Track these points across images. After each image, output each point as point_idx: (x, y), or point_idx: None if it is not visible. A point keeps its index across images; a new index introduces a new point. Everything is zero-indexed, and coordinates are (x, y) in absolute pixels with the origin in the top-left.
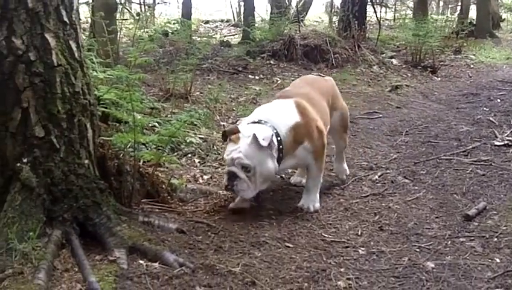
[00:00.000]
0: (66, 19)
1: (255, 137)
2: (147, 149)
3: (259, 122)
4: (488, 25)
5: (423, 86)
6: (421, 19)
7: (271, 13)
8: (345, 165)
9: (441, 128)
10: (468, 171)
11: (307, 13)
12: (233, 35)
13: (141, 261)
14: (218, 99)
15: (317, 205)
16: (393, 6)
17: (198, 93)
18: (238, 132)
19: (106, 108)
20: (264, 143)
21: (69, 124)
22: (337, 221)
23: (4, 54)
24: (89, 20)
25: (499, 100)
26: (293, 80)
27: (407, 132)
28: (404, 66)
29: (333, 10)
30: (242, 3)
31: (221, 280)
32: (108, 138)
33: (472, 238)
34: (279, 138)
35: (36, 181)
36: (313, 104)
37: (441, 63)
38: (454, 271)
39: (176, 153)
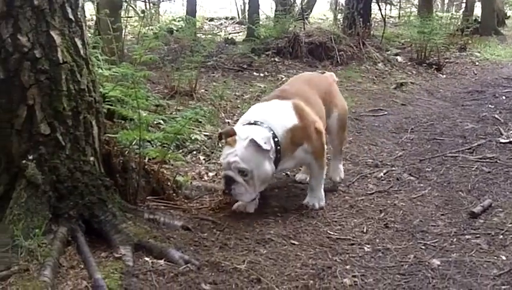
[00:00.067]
0: (71, 16)
1: (252, 140)
2: (152, 146)
3: (255, 123)
4: (493, 22)
5: (428, 83)
6: (426, 16)
7: (275, 11)
8: (341, 167)
9: (446, 126)
10: (473, 169)
11: (311, 11)
12: (238, 32)
13: (147, 259)
14: (223, 96)
15: (323, 202)
16: (398, 4)
17: (203, 90)
18: (234, 134)
19: (111, 105)
20: (267, 146)
21: (74, 122)
22: (342, 218)
23: (10, 51)
24: (94, 17)
25: (504, 97)
26: None
27: (412, 129)
28: (409, 63)
29: (338, 8)
30: (247, 1)
31: (226, 277)
32: (113, 135)
33: (478, 235)
34: (276, 139)
35: (42, 178)
36: (309, 104)
37: (446, 60)
38: (460, 268)
39: (181, 151)
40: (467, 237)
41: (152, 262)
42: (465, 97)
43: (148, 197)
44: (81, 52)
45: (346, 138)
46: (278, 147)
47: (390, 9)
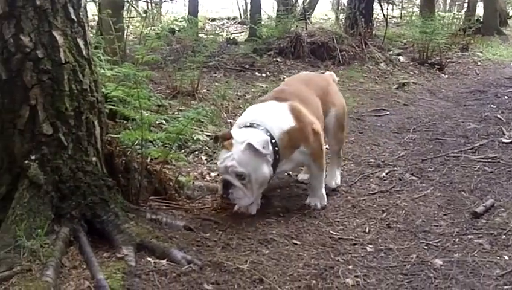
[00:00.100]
0: (73, 17)
1: (249, 144)
2: (154, 146)
3: (251, 126)
4: (495, 22)
5: (430, 83)
6: (428, 16)
7: (277, 11)
8: (338, 173)
9: (449, 126)
10: (475, 169)
11: (313, 11)
12: (240, 32)
13: (149, 259)
14: (225, 96)
15: (324, 201)
16: (400, 4)
17: (205, 90)
18: (231, 137)
19: (114, 105)
20: (265, 151)
21: (76, 122)
22: (344, 218)
23: (12, 51)
24: (96, 18)
25: (506, 97)
26: None
27: (414, 129)
28: (411, 63)
29: (340, 8)
30: (248, 1)
31: (229, 277)
32: (116, 136)
33: (480, 235)
34: (273, 141)
35: (44, 178)
36: (306, 104)
37: (448, 60)
38: (462, 268)
39: (183, 151)
40: (469, 237)
41: (154, 262)
42: (467, 97)
43: (150, 198)
44: (84, 52)
45: (344, 140)
46: (276, 149)
47: (392, 9)
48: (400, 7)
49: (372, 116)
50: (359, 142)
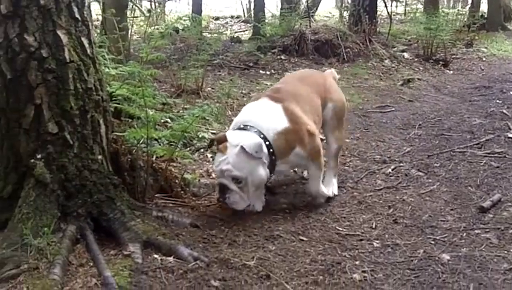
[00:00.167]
0: (77, 16)
1: (242, 148)
2: (160, 144)
3: (245, 128)
4: (499, 18)
5: (435, 79)
6: (432, 13)
7: (281, 9)
8: (335, 181)
9: (454, 121)
10: (482, 164)
11: (317, 8)
12: (244, 31)
13: (156, 256)
14: (230, 94)
15: (326, 192)
16: (404, 1)
17: (209, 89)
18: (226, 140)
19: (119, 104)
20: (258, 155)
21: (82, 120)
22: (351, 214)
23: (16, 51)
24: (100, 17)
25: (511, 92)
26: None
27: (420, 125)
28: (415, 59)
29: (344, 5)
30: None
31: (236, 274)
32: (121, 134)
33: (487, 230)
34: (267, 143)
35: (50, 177)
36: (302, 103)
37: (453, 56)
38: (470, 263)
39: (188, 148)
40: (476, 231)
41: (161, 259)
42: (472, 93)
43: (156, 195)
44: (88, 51)
45: (343, 140)
46: (271, 150)
47: (396, 6)
48: (403, 4)
49: (377, 113)
50: (365, 139)
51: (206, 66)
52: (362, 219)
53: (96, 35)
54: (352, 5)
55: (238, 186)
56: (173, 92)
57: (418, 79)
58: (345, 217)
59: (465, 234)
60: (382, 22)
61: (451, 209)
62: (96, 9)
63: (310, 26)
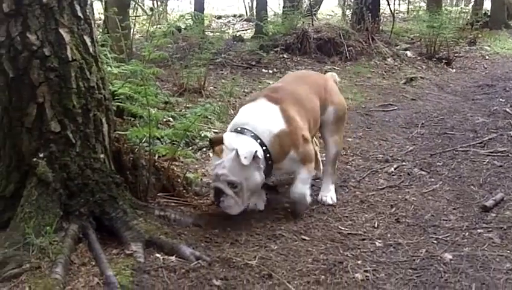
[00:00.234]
0: (80, 14)
1: (237, 154)
2: (162, 143)
3: (242, 131)
4: (503, 16)
5: (438, 77)
6: (435, 11)
7: (283, 7)
8: (333, 188)
9: (457, 120)
10: (484, 163)
11: (319, 7)
12: (246, 30)
13: (158, 255)
14: (232, 93)
15: (308, 200)
16: None
17: (212, 87)
18: (222, 142)
19: (121, 103)
20: (246, 162)
21: (84, 119)
22: (353, 213)
23: (19, 49)
24: (102, 16)
25: None
26: None
27: (422, 124)
28: (418, 58)
29: (346, 3)
30: None
31: (238, 273)
32: (123, 133)
33: (490, 229)
34: (264, 148)
35: (52, 176)
36: (300, 105)
37: (456, 54)
38: (472, 262)
39: (190, 148)
40: (479, 231)
41: (163, 258)
42: (475, 91)
43: (158, 194)
44: (90, 49)
45: (341, 146)
46: (268, 155)
47: (399, 4)
48: (406, 2)
49: (380, 112)
50: (367, 138)
51: (208, 65)
52: (364, 218)
53: (98, 34)
54: (355, 3)
55: (234, 191)
56: (175, 90)
57: (421, 77)
58: (347, 217)
59: (467, 233)
60: (385, 20)
61: (454, 209)
62: (98, 8)
63: (313, 24)
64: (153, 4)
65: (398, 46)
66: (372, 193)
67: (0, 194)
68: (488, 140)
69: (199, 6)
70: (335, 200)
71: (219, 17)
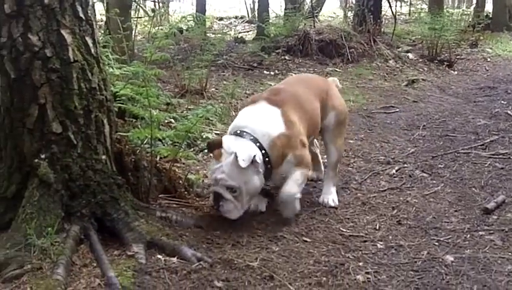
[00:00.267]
0: (81, 15)
1: (236, 157)
2: (164, 145)
3: (241, 134)
4: (504, 18)
5: (440, 80)
6: (437, 13)
7: (285, 9)
8: (334, 191)
9: (459, 122)
10: (486, 165)
11: (321, 9)
12: (248, 31)
13: (159, 256)
14: (234, 94)
15: (296, 210)
16: (409, 1)
17: (213, 89)
18: (221, 146)
19: (123, 104)
20: (244, 164)
21: (86, 120)
22: (354, 215)
23: (20, 50)
24: (104, 17)
25: None
26: None
27: (424, 126)
28: (420, 60)
29: (348, 5)
30: (256, 0)
31: (239, 275)
32: (125, 134)
33: (491, 231)
34: (263, 151)
35: (54, 177)
36: (301, 109)
37: (458, 56)
38: (473, 265)
39: (192, 149)
40: (480, 233)
41: (165, 260)
42: (477, 93)
43: (160, 196)
44: (92, 50)
45: (342, 150)
46: (267, 159)
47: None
48: (408, 4)
49: (381, 114)
50: (369, 140)
51: (210, 67)
52: (366, 220)
53: (100, 35)
54: (356, 5)
55: (233, 195)
56: (177, 92)
57: (423, 80)
58: (348, 218)
59: (469, 235)
60: (387, 22)
61: (455, 211)
62: (100, 9)
63: (314, 26)
64: (155, 5)
65: (400, 48)
66: (373, 195)
67: (2, 195)
68: (490, 142)
69: (201, 7)
70: (337, 203)
71: (221, 19)
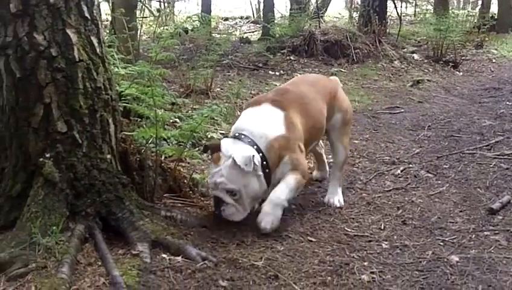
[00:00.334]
0: (87, 15)
1: (234, 160)
2: (169, 144)
3: (239, 136)
4: (509, 19)
5: (445, 80)
6: (442, 14)
7: (290, 9)
8: (340, 191)
9: (464, 123)
10: (491, 165)
11: (326, 9)
12: (253, 31)
13: (164, 255)
14: (239, 94)
15: (276, 223)
16: (414, 1)
17: (218, 89)
18: (219, 150)
19: (128, 103)
20: (247, 168)
21: (91, 119)
22: (359, 215)
23: (26, 49)
24: (109, 17)
25: None
26: None
27: (429, 126)
28: (425, 61)
29: (353, 6)
30: (261, 0)
31: (244, 274)
32: (130, 133)
33: (496, 231)
34: (260, 154)
35: (59, 176)
36: (305, 112)
37: (463, 57)
38: (478, 265)
39: (197, 149)
40: (485, 233)
41: (169, 259)
42: (482, 94)
43: (164, 195)
44: (97, 50)
45: (348, 150)
46: (265, 162)
47: (406, 7)
48: (413, 5)
49: (386, 114)
50: (374, 140)
51: (215, 67)
52: (371, 220)
53: (105, 34)
54: (362, 5)
55: (234, 198)
56: (182, 92)
57: (428, 80)
58: (353, 218)
59: (474, 235)
60: (392, 23)
61: (460, 211)
62: (105, 9)
63: (320, 26)
64: (160, 5)
65: (405, 49)
66: (378, 195)
67: (7, 193)
68: (495, 143)
69: (206, 7)
70: (342, 203)
71: (226, 19)
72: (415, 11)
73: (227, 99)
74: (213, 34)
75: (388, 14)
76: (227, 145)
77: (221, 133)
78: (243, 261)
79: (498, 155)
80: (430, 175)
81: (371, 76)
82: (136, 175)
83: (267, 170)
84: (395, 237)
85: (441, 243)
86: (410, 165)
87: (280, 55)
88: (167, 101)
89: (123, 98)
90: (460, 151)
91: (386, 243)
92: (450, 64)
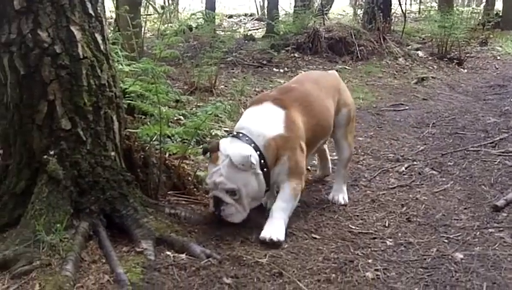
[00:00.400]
0: (91, 11)
1: (231, 159)
2: (173, 142)
3: (237, 135)
4: None
5: (449, 77)
6: (447, 11)
7: (295, 6)
8: (345, 189)
9: (468, 120)
10: (496, 163)
11: (331, 6)
12: (257, 29)
13: (168, 253)
14: (243, 92)
15: (282, 235)
16: None
17: (222, 86)
18: (218, 150)
19: (132, 100)
20: (244, 168)
21: (95, 117)
22: (364, 212)
23: (30, 46)
24: (114, 14)
25: None
26: None
27: (434, 123)
28: (430, 58)
29: (358, 3)
30: None
31: (248, 271)
32: (134, 130)
33: (501, 229)
34: (258, 153)
35: (63, 173)
36: (309, 110)
37: (467, 54)
38: (483, 262)
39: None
40: (490, 230)
41: (173, 256)
42: (486, 91)
43: (169, 192)
44: (101, 47)
45: (353, 145)
46: (263, 161)
47: (411, 4)
48: (418, 2)
49: (391, 111)
50: (378, 137)
51: (219, 64)
52: (375, 217)
53: (109, 32)
54: (366, 2)
55: (233, 198)
56: (186, 89)
57: (432, 77)
58: (358, 216)
59: (478, 233)
60: (396, 20)
61: (465, 208)
62: (109, 6)
63: (324, 24)
64: (164, 2)
65: (410, 46)
66: (383, 192)
67: (11, 191)
68: (499, 140)
69: (210, 5)
70: (347, 200)
71: (230, 16)
72: (419, 8)
73: (232, 97)
74: (217, 32)
75: (392, 11)
76: (225, 145)
77: (225, 131)
78: (247, 259)
79: (502, 152)
80: (434, 172)
81: (375, 73)
82: (140, 172)
83: (265, 169)
84: (400, 234)
85: (446, 241)
86: (415, 163)
87: (284, 52)
88: (171, 99)
89: (127, 95)
90: (464, 149)
91: (390, 240)
92: (455, 61)
